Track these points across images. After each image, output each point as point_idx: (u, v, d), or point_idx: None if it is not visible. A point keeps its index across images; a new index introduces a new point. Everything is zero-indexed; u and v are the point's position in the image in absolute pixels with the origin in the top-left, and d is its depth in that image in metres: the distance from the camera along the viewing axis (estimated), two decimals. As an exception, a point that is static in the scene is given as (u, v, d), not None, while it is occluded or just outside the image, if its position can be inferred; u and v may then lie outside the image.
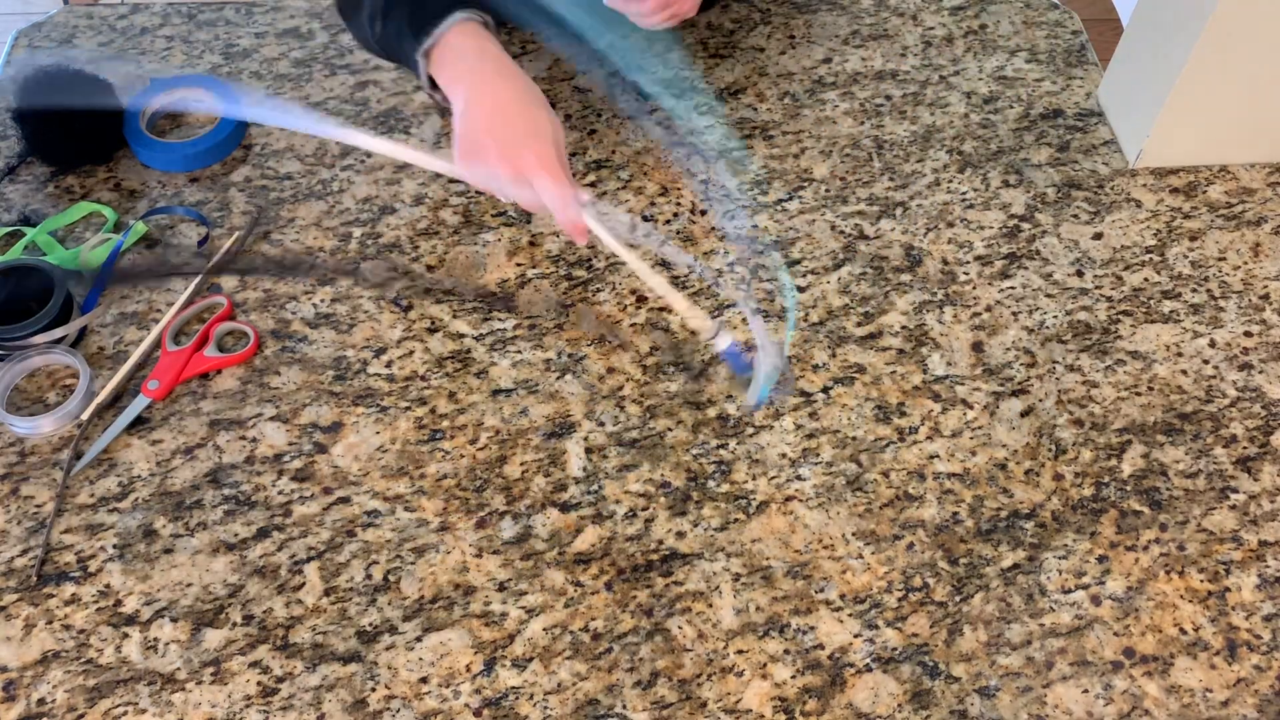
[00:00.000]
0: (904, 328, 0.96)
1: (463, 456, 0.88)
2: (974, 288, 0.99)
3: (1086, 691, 0.78)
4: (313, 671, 0.77)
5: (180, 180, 1.04)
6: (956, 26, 1.20)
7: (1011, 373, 0.94)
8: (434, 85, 0.88)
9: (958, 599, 0.82)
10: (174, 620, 0.79)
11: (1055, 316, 0.97)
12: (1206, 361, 0.95)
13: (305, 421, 0.89)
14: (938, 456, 0.89)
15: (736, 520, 0.85)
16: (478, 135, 0.81)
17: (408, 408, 0.90)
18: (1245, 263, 1.02)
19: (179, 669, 0.77)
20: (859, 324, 0.96)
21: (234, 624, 0.79)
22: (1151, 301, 0.99)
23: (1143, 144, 1.06)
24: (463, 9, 0.85)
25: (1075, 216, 1.04)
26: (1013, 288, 0.99)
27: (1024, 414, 0.91)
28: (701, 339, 0.82)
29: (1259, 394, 0.93)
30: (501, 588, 0.81)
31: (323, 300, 0.96)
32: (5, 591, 0.80)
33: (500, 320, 0.95)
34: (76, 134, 1.01)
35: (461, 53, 0.84)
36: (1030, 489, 0.87)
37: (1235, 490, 0.88)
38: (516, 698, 0.77)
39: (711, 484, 0.87)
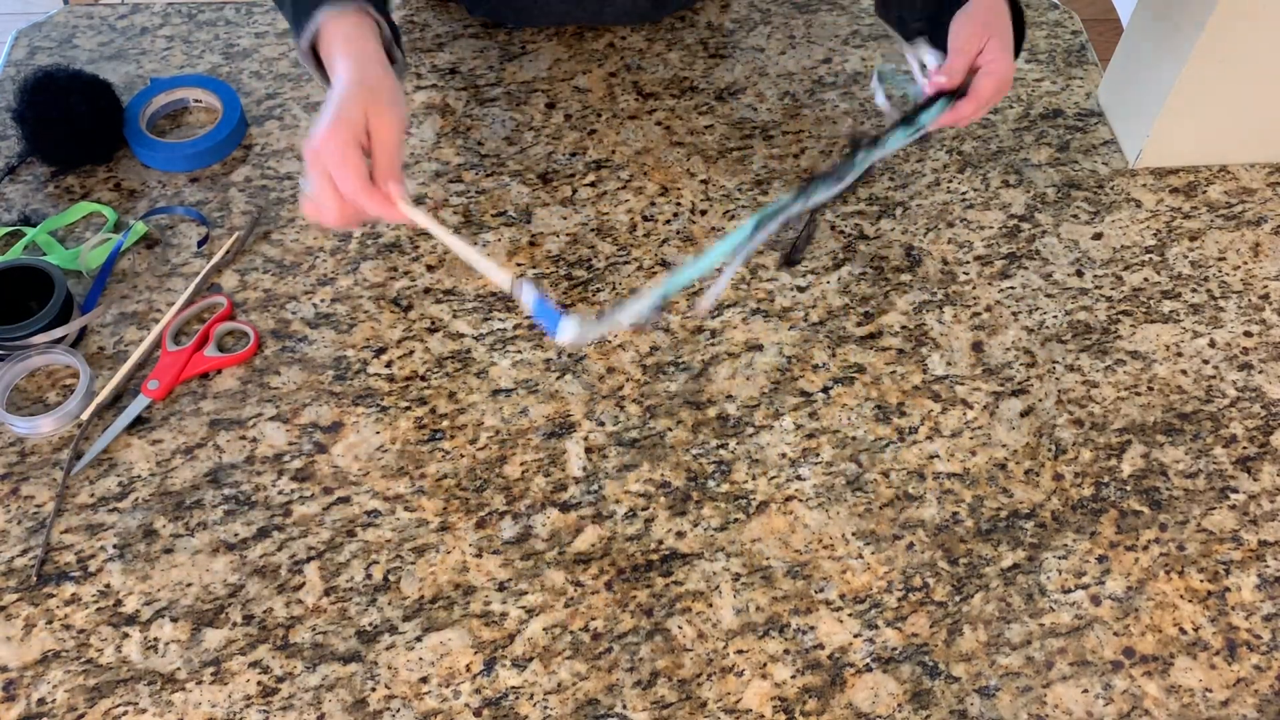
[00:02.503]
0: (904, 328, 0.96)
1: (463, 456, 0.88)
2: (974, 288, 0.99)
3: (1086, 691, 0.78)
4: (313, 671, 0.77)
5: (180, 180, 1.04)
6: (956, 26, 1.20)
7: (1011, 373, 0.94)
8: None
9: (958, 599, 0.82)
10: (174, 620, 0.79)
11: (1055, 316, 0.97)
12: (1206, 361, 0.95)
13: (305, 421, 0.89)
14: (938, 456, 0.89)
15: (736, 520, 0.85)
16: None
17: (408, 408, 0.90)
18: (1245, 263, 1.02)
19: (179, 669, 0.77)
20: (859, 324, 0.96)
21: (234, 624, 0.79)
22: (1151, 301, 0.99)
23: (1143, 144, 1.06)
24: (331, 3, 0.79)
25: (1075, 216, 1.04)
26: (1013, 288, 0.99)
27: (1024, 414, 0.91)
28: (510, 293, 0.77)
29: (1259, 394, 0.93)
30: (501, 588, 0.81)
31: (323, 300, 0.96)
32: (5, 591, 0.80)
33: (500, 320, 0.95)
34: (76, 134, 1.01)
35: (328, 44, 0.79)
36: (1030, 489, 0.87)
37: (1235, 490, 0.88)
38: (516, 698, 0.77)
39: (711, 484, 0.87)
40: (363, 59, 0.77)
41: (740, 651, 0.79)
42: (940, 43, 0.86)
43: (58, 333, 0.90)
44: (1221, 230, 1.04)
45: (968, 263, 1.01)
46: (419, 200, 1.03)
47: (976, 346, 0.95)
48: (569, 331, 0.75)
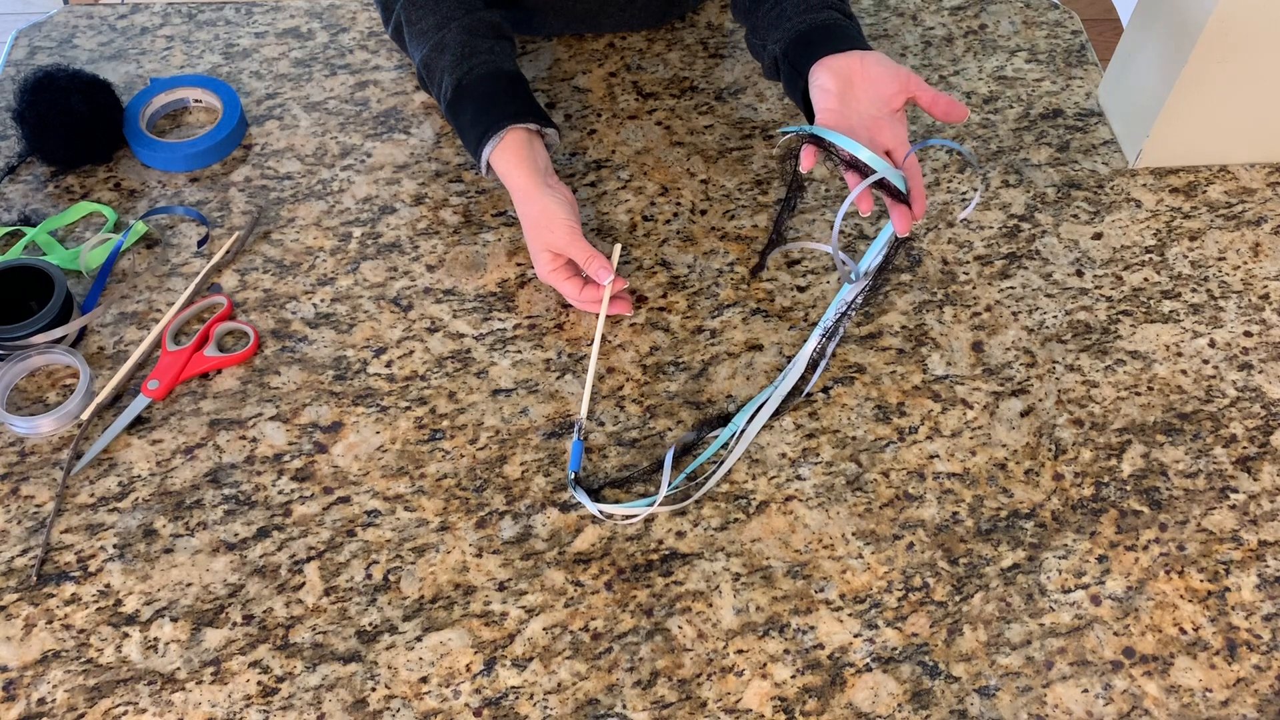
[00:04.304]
0: (904, 328, 0.96)
1: (463, 456, 0.88)
2: (974, 288, 0.99)
3: (1086, 691, 0.78)
4: (313, 671, 0.77)
5: (180, 180, 1.04)
6: (956, 26, 1.20)
7: (1011, 373, 0.94)
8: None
9: (958, 599, 0.82)
10: (174, 620, 0.79)
11: (1055, 316, 0.97)
12: (1206, 361, 0.95)
13: (305, 421, 0.89)
14: (938, 456, 0.89)
15: (736, 520, 0.85)
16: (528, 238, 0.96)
17: (408, 408, 0.90)
18: (1245, 263, 1.02)
19: (179, 669, 0.77)
20: (859, 324, 0.96)
21: (234, 624, 0.79)
22: (1151, 301, 0.99)
23: (1143, 144, 1.06)
24: (514, 120, 0.94)
25: (1075, 216, 1.04)
26: (1012, 288, 0.99)
27: (1024, 414, 0.91)
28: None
29: (1259, 394, 0.93)
30: (501, 588, 0.81)
31: (323, 300, 0.96)
32: (5, 591, 0.80)
33: (500, 320, 0.95)
34: (76, 134, 1.00)
35: (501, 167, 0.96)
36: (1030, 489, 0.87)
37: (1235, 490, 0.88)
38: (516, 698, 0.77)
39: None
40: (524, 191, 0.94)
41: (740, 651, 0.79)
42: (799, 67, 0.91)
43: (58, 333, 0.90)
44: (1221, 230, 1.04)
45: (968, 263, 1.01)
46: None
47: (976, 346, 0.95)
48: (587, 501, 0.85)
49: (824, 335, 0.91)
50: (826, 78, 0.87)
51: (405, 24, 0.99)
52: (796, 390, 0.91)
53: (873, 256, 0.89)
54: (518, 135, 0.95)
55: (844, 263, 0.93)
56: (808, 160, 0.85)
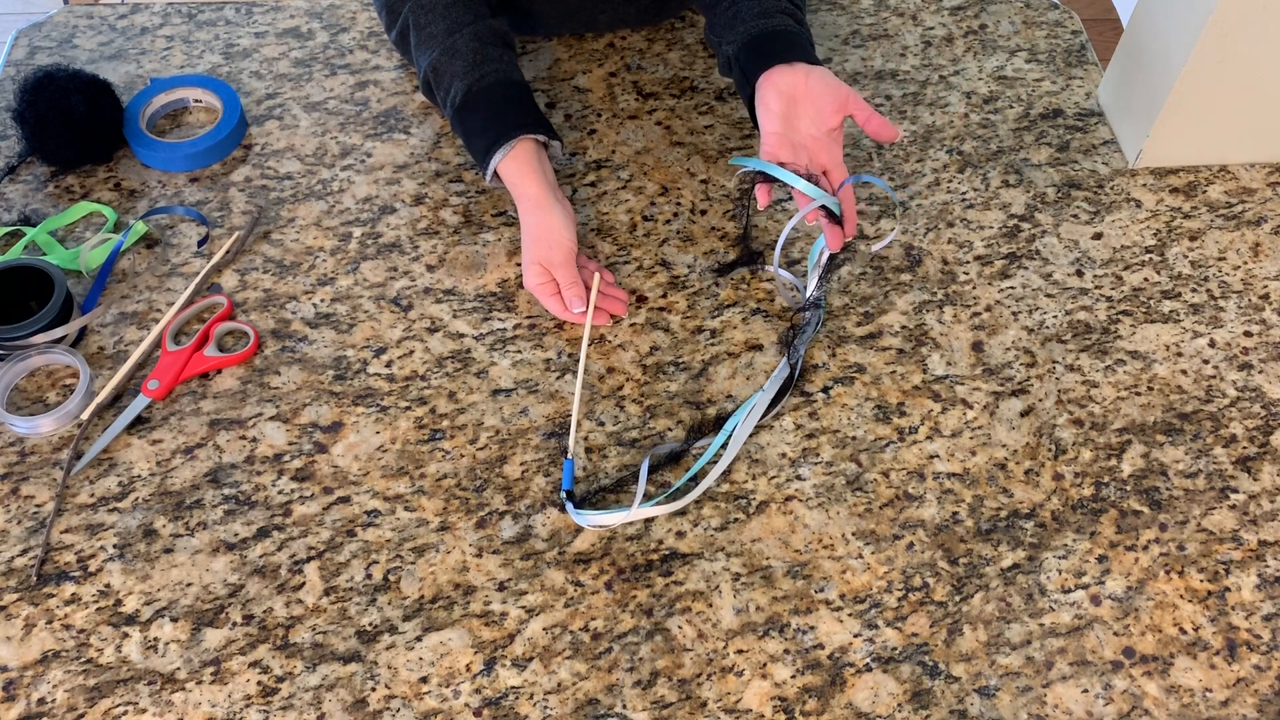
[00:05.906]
0: (904, 328, 0.96)
1: (463, 456, 0.88)
2: (974, 288, 0.99)
3: (1086, 691, 0.78)
4: (313, 671, 0.77)
5: (180, 180, 1.04)
6: (956, 26, 1.20)
7: (1011, 373, 0.94)
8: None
9: (958, 599, 0.82)
10: (174, 620, 0.79)
11: (1055, 316, 0.97)
12: (1206, 361, 0.95)
13: (305, 421, 0.89)
14: (938, 456, 0.89)
15: (736, 520, 0.85)
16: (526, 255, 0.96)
17: (408, 408, 0.90)
18: (1245, 263, 1.02)
19: (179, 669, 0.77)
20: (859, 324, 0.96)
21: (234, 624, 0.79)
22: (1151, 301, 0.99)
23: (1143, 144, 1.06)
24: (525, 130, 0.96)
25: (1075, 216, 1.04)
26: (1012, 288, 0.99)
27: (1024, 414, 0.91)
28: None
29: (1259, 394, 0.93)
30: (501, 588, 0.81)
31: (323, 300, 0.96)
32: (5, 591, 0.80)
33: (500, 320, 0.95)
34: (76, 134, 1.00)
35: (510, 175, 0.97)
36: (1030, 489, 0.87)
37: (1235, 490, 0.88)
38: (516, 698, 0.77)
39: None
40: (535, 200, 0.95)
41: (740, 651, 0.79)
42: (749, 72, 0.94)
43: (58, 333, 0.90)
44: (1221, 230, 1.04)
45: (968, 263, 1.01)
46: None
47: (976, 346, 0.95)
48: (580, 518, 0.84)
49: (791, 359, 0.92)
50: (773, 97, 0.91)
51: (413, 29, 0.99)
52: (784, 391, 0.91)
53: (814, 280, 0.94)
54: (528, 145, 0.96)
55: (788, 285, 0.98)
56: (763, 198, 0.91)
